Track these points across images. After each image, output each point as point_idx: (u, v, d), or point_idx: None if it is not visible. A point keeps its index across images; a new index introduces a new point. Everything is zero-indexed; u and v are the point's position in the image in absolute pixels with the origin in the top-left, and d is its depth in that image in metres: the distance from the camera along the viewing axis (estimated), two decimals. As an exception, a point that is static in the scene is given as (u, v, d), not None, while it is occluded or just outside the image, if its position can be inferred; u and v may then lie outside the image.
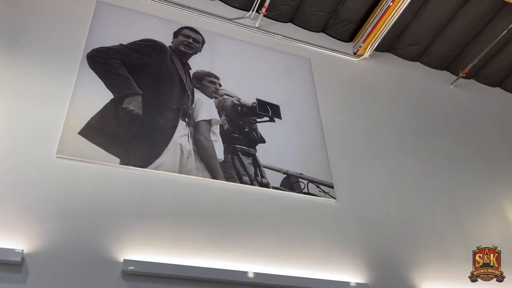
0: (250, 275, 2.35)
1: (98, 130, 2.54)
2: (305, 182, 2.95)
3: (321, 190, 2.96)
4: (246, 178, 2.78)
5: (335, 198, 2.96)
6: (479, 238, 3.20)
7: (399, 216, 3.08)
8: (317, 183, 2.98)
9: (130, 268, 2.14)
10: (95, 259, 2.15)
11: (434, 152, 3.64)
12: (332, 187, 3.00)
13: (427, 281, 2.83)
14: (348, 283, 2.57)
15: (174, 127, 2.76)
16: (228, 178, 2.72)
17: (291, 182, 2.91)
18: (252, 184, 2.77)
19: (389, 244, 2.91)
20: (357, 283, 2.59)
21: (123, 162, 2.49)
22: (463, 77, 4.35)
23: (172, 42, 3.17)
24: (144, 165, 2.53)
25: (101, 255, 2.17)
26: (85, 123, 2.53)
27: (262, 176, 2.84)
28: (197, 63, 3.15)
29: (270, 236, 2.60)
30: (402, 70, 4.21)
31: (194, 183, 2.61)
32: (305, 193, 2.90)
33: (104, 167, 2.44)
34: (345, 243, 2.78)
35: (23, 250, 2.02)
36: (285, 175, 2.92)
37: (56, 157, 2.37)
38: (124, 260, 2.15)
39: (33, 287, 1.99)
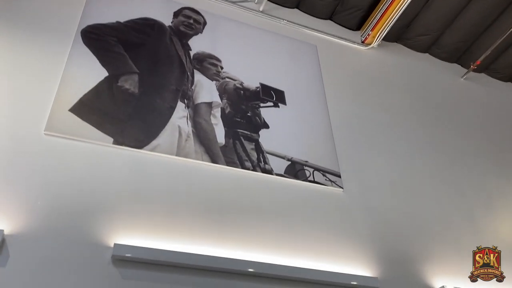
0: (250, 264, 2.17)
1: (91, 107, 2.38)
2: (311, 170, 2.78)
3: (327, 179, 2.78)
4: (248, 164, 2.61)
5: (342, 188, 2.79)
6: (491, 232, 3.05)
7: (408, 209, 2.91)
8: (323, 171, 2.81)
9: (123, 254, 1.96)
10: (83, 243, 1.97)
11: (444, 145, 3.47)
12: (339, 176, 2.83)
13: (437, 274, 2.65)
14: (355, 276, 2.38)
15: (172, 108, 2.60)
16: (229, 163, 2.55)
17: (295, 170, 2.74)
18: (254, 170, 2.60)
19: (399, 237, 2.73)
20: (365, 276, 2.41)
21: (116, 142, 2.32)
22: (474, 70, 4.18)
23: (172, 22, 3.01)
24: (139, 146, 2.36)
25: (90, 239, 1.99)
26: (77, 100, 2.37)
27: (265, 162, 2.67)
28: (197, 44, 2.99)
29: (272, 224, 2.43)
30: (411, 61, 4.05)
31: (193, 167, 2.44)
32: (310, 181, 2.72)
33: (96, 147, 2.27)
34: (352, 234, 2.60)
35: (3, 230, 1.84)
36: (290, 162, 2.75)
37: (45, 134, 2.20)
38: (115, 244, 1.98)
39: (13, 271, 1.81)
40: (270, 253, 2.31)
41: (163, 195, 2.26)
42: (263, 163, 2.66)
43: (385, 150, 3.16)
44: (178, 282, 2.01)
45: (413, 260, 2.66)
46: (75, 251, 1.94)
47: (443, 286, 2.57)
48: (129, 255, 1.97)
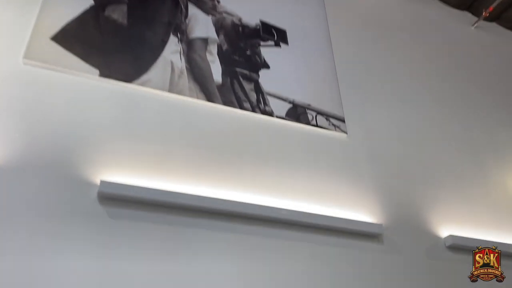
0: (247, 206, 2.02)
1: (75, 37, 2.16)
2: (314, 113, 2.60)
3: (330, 123, 2.61)
4: (247, 105, 2.42)
5: (346, 133, 2.62)
6: (499, 183, 2.93)
7: (415, 156, 2.76)
8: (327, 115, 2.63)
9: (109, 191, 1.80)
10: (67, 179, 1.81)
11: (452, 93, 3.29)
12: (343, 121, 2.66)
13: (444, 223, 2.53)
14: (359, 222, 2.25)
15: (164, 42, 2.38)
16: (226, 103, 2.37)
17: (297, 113, 2.56)
18: (253, 111, 2.42)
19: (404, 184, 2.59)
20: (369, 223, 2.28)
21: (103, 74, 2.12)
22: (485, 19, 3.95)
23: (164, -49, 2.75)
24: (128, 80, 2.17)
25: (73, 175, 1.82)
26: (59, 28, 2.14)
27: (266, 104, 2.49)
28: (192, -24, 2.74)
29: (272, 168, 2.27)
30: (419, 8, 3.80)
31: (187, 105, 2.26)
32: (313, 125, 2.55)
33: (80, 79, 2.07)
34: (356, 180, 2.46)
35: (-23, 163, 1.68)
36: (291, 105, 2.56)
37: (24, 63, 2.00)
38: (101, 181, 1.81)
39: (-10, 207, 1.66)
40: (269, 196, 2.16)
41: (154, 132, 2.09)
42: (263, 104, 2.48)
43: (392, 95, 2.98)
44: (169, 222, 1.87)
45: (419, 208, 2.53)
46: (57, 187, 1.77)
47: (450, 235, 2.45)
48: (116, 192, 1.81)
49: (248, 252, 1.96)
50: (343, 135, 2.61)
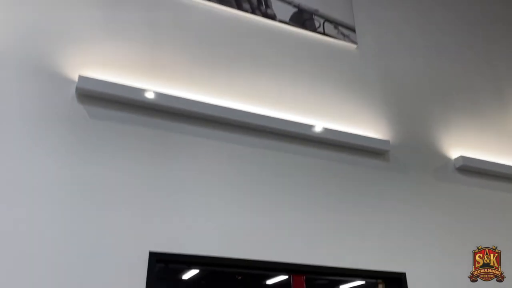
0: (240, 113, 1.84)
1: None
2: (321, 20, 2.34)
3: (339, 32, 2.36)
4: (246, 5, 2.17)
5: (356, 43, 2.38)
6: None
7: (429, 73, 2.53)
8: (336, 23, 2.38)
9: (89, 88, 1.61)
10: (43, 73, 1.61)
11: (475, 12, 2.98)
12: (354, 30, 2.40)
13: (455, 145, 2.36)
14: (365, 137, 2.08)
15: None
16: (223, 2, 2.11)
17: (303, 18, 2.30)
18: (253, 13, 2.17)
19: (416, 101, 2.39)
20: (376, 138, 2.11)
21: (82, -40, 1.85)
22: None
23: None
24: (112, -32, 1.90)
25: (50, 69, 1.63)
26: None
27: (267, 6, 2.23)
28: None
29: (271, 76, 2.06)
30: None
31: (179, 2, 2.01)
32: (320, 33, 2.31)
33: (56, -37, 1.82)
34: (364, 94, 2.25)
35: None
36: (297, 9, 2.30)
37: None
38: (79, 76, 1.62)
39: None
40: (268, 107, 1.97)
41: (140, 30, 1.86)
42: (264, 6, 2.22)
43: (408, 11, 2.68)
44: (153, 125, 1.70)
45: (430, 128, 2.35)
46: (32, 81, 1.59)
47: (460, 156, 2.29)
48: (95, 89, 1.62)
49: (240, 161, 1.81)
50: (352, 45, 2.37)
